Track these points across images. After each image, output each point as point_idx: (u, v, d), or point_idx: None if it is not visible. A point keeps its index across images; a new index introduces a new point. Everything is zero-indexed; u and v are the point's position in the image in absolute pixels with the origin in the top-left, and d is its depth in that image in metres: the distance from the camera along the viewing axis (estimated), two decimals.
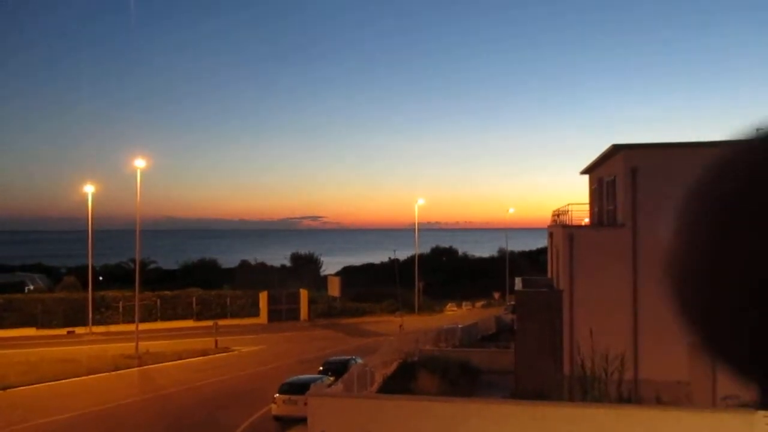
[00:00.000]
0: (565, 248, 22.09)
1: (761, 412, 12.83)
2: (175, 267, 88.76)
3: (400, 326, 44.60)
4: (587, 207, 29.44)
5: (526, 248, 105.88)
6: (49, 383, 28.87)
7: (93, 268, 51.90)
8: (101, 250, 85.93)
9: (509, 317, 45.16)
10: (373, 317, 57.27)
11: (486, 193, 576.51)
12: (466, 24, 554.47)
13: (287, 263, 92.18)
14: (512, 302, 42.67)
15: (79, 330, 47.70)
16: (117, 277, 69.02)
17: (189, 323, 52.01)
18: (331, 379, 23.16)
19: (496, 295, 67.38)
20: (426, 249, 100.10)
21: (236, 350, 39.62)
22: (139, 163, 39.40)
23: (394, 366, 28.27)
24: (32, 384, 28.52)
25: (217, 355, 37.88)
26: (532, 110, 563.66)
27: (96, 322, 48.43)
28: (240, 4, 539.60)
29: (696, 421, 13.80)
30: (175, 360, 35.33)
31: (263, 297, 55.01)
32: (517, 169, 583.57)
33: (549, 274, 30.14)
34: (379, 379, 25.28)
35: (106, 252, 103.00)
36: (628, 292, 21.13)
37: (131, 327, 40.76)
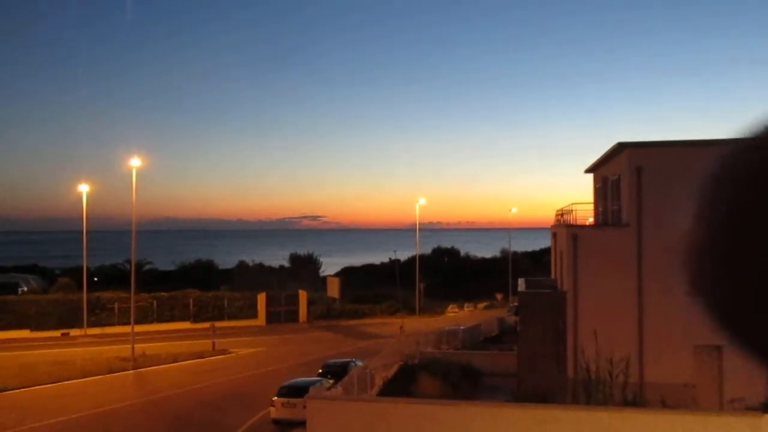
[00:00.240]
0: (569, 248, 22.08)
1: None
2: (171, 268, 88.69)
3: (401, 328, 44.59)
4: (591, 206, 29.43)
5: (529, 249, 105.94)
6: (45, 386, 28.90)
7: (88, 269, 51.94)
8: (97, 251, 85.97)
9: (512, 319, 45.15)
10: (373, 319, 57.29)
11: (488, 192, 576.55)
12: (467, 23, 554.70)
13: (286, 264, 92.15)
14: (515, 303, 42.67)
15: (73, 332, 47.73)
16: (112, 278, 69.00)
17: (186, 325, 52.03)
18: (331, 381, 23.18)
19: (499, 297, 67.35)
20: (427, 249, 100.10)
21: (234, 353, 39.63)
22: (135, 162, 39.44)
23: (394, 369, 28.26)
24: (27, 387, 28.55)
25: (214, 357, 37.90)
26: (534, 108, 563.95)
27: (91, 324, 48.47)
28: (239, 3, 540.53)
29: (702, 424, 13.79)
30: (172, 363, 35.34)
31: (261, 298, 55.02)
32: (519, 167, 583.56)
33: (552, 275, 30.12)
34: (379, 382, 25.28)
35: (101, 253, 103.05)
36: (633, 293, 21.12)
37: (127, 329, 40.79)
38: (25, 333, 47.38)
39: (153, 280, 69.82)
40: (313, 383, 22.58)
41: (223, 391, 27.94)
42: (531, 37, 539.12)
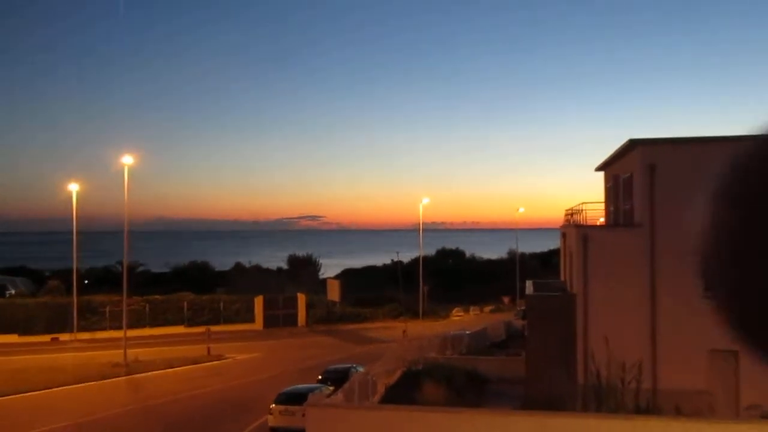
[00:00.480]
0: (579, 250, 22.07)
1: None
2: (165, 270, 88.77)
3: (404, 332, 44.62)
4: (602, 206, 29.43)
5: (538, 250, 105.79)
6: (35, 393, 28.97)
7: (78, 271, 51.99)
8: (88, 253, 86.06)
9: (519, 323, 45.17)
10: (374, 323, 57.30)
11: (494, 191, 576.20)
12: (471, 20, 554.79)
13: (284, 266, 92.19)
14: (523, 307, 42.62)
15: (63, 337, 47.79)
16: (104, 280, 69.08)
17: (180, 329, 52.09)
18: (331, 388, 23.20)
19: (506, 300, 67.34)
20: (431, 250, 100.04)
21: (230, 358, 39.68)
22: (127, 159, 39.47)
23: (397, 375, 28.29)
24: (17, 394, 28.60)
25: (209, 363, 37.95)
26: (543, 104, 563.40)
27: (81, 329, 48.52)
28: (236, 1, 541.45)
29: None
30: (166, 368, 35.40)
31: (259, 302, 55.06)
32: (527, 166, 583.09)
33: (562, 277, 30.11)
34: (381, 388, 25.30)
35: (92, 254, 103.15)
36: (646, 295, 21.10)
37: (119, 334, 40.84)
38: (12, 338, 47.46)
39: (146, 282, 69.91)
40: (312, 390, 22.60)
41: (219, 398, 27.97)
42: (538, 34, 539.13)
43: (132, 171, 40.30)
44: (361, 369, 26.59)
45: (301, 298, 56.52)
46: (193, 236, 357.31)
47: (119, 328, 42.32)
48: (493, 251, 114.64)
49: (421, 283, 61.22)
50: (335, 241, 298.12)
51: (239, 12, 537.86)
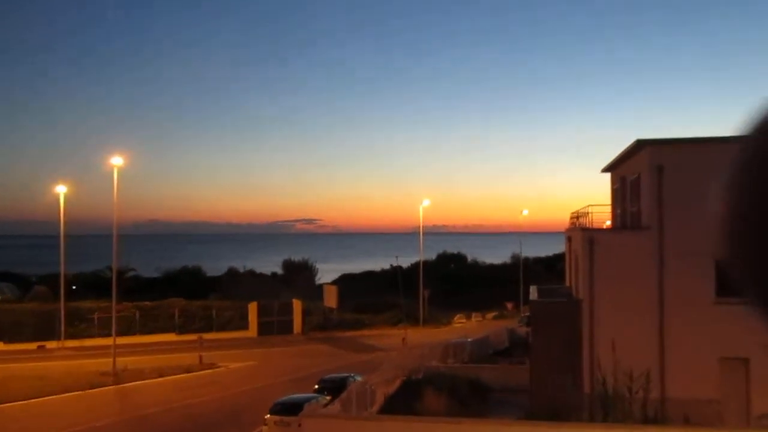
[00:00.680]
0: (585, 254, 22.07)
1: None
2: (156, 275, 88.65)
3: (404, 340, 44.56)
4: (609, 208, 29.44)
5: (542, 254, 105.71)
6: (19, 403, 28.86)
7: (66, 276, 51.92)
8: (75, 257, 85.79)
9: (523, 330, 45.07)
10: (373, 330, 57.24)
11: (497, 193, 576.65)
12: (475, 18, 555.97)
13: (279, 271, 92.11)
14: (527, 313, 42.53)
15: (50, 344, 47.70)
16: (92, 286, 68.90)
17: (171, 337, 51.98)
18: (328, 398, 23.14)
19: (509, 306, 67.28)
20: (432, 255, 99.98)
21: (223, 367, 39.61)
22: (116, 161, 39.42)
23: (396, 384, 28.24)
24: (1, 403, 28.51)
25: (201, 372, 37.87)
26: (547, 104, 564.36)
27: (69, 336, 48.43)
28: None
29: None
30: (156, 377, 35.32)
31: (253, 308, 54.99)
32: (531, 167, 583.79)
33: (567, 283, 30.12)
34: (380, 398, 25.26)
35: (80, 259, 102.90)
36: (654, 301, 21.10)
37: (108, 341, 40.74)
38: None
39: (136, 288, 69.79)
40: (308, 400, 22.54)
41: (211, 408, 27.91)
42: (541, 33, 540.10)
43: (124, 172, 40.33)
44: (359, 378, 26.53)
45: (297, 305, 56.44)
46: (186, 240, 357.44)
47: (108, 335, 42.23)
48: (496, 255, 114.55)
49: (421, 289, 61.15)
50: (332, 245, 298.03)
51: (238, 11, 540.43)
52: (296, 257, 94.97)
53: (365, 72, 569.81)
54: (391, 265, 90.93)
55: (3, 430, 24.12)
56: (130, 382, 34.26)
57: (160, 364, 38.91)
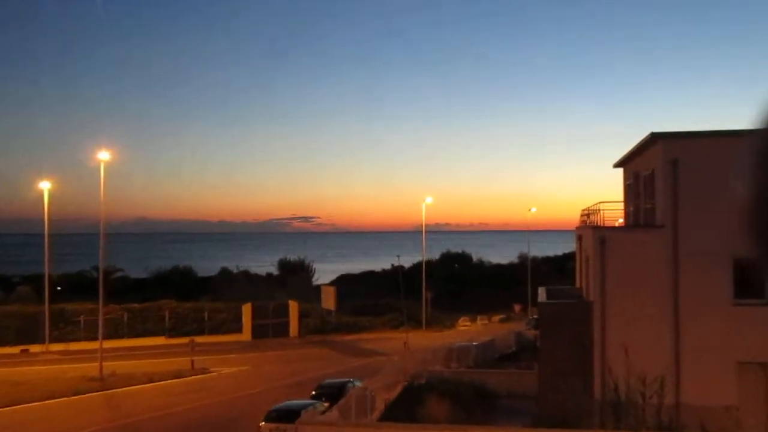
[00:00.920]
0: (596, 253, 22.07)
1: None
2: (144, 276, 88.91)
3: (405, 344, 44.59)
4: (621, 205, 29.44)
5: (551, 253, 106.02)
6: (2, 409, 28.90)
7: (50, 276, 51.91)
8: (61, 257, 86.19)
9: (531, 333, 45.15)
10: (373, 333, 57.33)
11: (504, 189, 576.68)
12: (478, 6, 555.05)
13: (274, 271, 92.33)
14: (535, 316, 42.65)
15: (34, 348, 47.76)
16: (78, 287, 69.05)
17: (161, 340, 52.08)
18: (326, 404, 23.20)
19: (517, 308, 67.38)
20: (435, 254, 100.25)
21: (215, 372, 39.67)
22: (103, 155, 39.47)
23: (398, 389, 28.30)
24: None
25: (193, 377, 37.92)
26: (556, 96, 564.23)
27: (54, 339, 48.47)
28: None
29: None
30: (145, 383, 35.36)
31: (247, 310, 55.05)
32: (540, 162, 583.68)
33: (577, 284, 30.12)
34: (380, 404, 25.30)
35: (66, 258, 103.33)
36: (669, 303, 21.10)
37: (94, 345, 40.80)
38: None
39: (124, 289, 70.02)
40: (305, 406, 22.58)
41: (203, 415, 27.96)
42: (551, 20, 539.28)
43: (111, 168, 40.43)
44: (358, 383, 26.58)
45: (293, 307, 56.49)
46: (176, 238, 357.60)
47: (95, 338, 42.29)
48: (502, 255, 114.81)
49: (424, 290, 61.17)
50: (330, 244, 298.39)
51: (222, 1, 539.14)
52: (292, 257, 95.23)
53: (361, 60, 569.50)
54: (392, 265, 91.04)
55: None
56: (118, 387, 34.29)
57: (149, 368, 38.94)
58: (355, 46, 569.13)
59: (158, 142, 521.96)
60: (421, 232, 65.49)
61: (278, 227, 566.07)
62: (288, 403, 23.85)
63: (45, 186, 49.53)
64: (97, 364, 36.54)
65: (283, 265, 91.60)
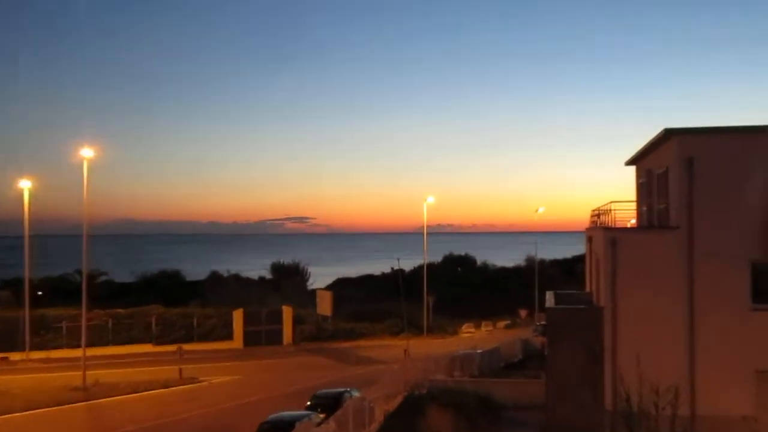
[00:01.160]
0: (607, 256, 22.08)
1: None
2: (130, 280, 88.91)
3: (406, 351, 44.62)
4: (633, 205, 29.46)
5: (559, 256, 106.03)
6: None
7: (31, 281, 51.92)
8: (42, 260, 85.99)
9: (539, 340, 45.16)
10: (372, 340, 57.33)
11: (510, 189, 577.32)
12: (482, 6, 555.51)
13: (267, 275, 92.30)
14: (542, 322, 42.60)
15: (13, 356, 47.73)
16: (60, 291, 69.07)
17: (147, 348, 52.05)
18: (321, 416, 23.19)
19: (523, 314, 67.40)
20: (437, 257, 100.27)
21: (205, 381, 39.67)
22: (86, 153, 39.40)
23: (398, 400, 28.31)
24: None
25: (181, 386, 37.93)
26: (565, 91, 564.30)
27: (34, 347, 48.45)
28: None
29: None
30: (131, 393, 35.37)
31: (238, 316, 55.05)
32: (548, 160, 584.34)
33: (587, 287, 30.14)
34: (379, 416, 25.31)
35: (47, 261, 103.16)
36: (684, 308, 21.11)
37: (77, 352, 40.77)
38: None
39: (109, 294, 69.94)
40: (299, 418, 22.55)
41: (191, 426, 27.97)
42: (559, 16, 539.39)
43: (95, 167, 40.43)
44: (356, 393, 26.57)
45: (287, 312, 56.50)
46: (163, 240, 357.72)
47: (78, 346, 42.23)
48: (508, 257, 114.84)
49: (425, 295, 61.17)
50: (326, 246, 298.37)
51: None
52: (286, 259, 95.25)
53: (358, 56, 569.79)
54: (392, 269, 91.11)
55: None
56: (102, 397, 34.29)
57: (135, 377, 38.94)
58: (353, 46, 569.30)
59: (145, 140, 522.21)
60: (422, 233, 65.52)
61: (271, 228, 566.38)
62: (281, 414, 23.83)
63: (25, 185, 49.52)
64: (80, 372, 36.51)
65: (277, 268, 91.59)
